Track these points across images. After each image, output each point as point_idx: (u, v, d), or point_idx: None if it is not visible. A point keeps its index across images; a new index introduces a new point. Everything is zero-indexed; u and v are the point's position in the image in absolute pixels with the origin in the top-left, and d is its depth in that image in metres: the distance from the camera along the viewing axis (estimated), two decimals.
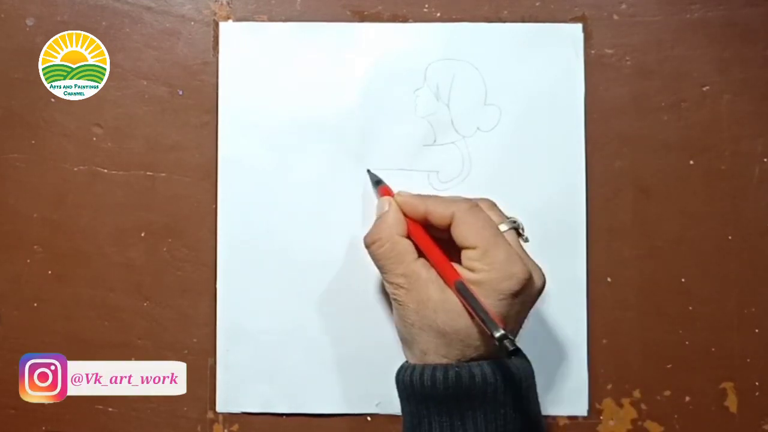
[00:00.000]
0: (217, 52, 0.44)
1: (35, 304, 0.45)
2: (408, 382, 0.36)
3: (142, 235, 0.45)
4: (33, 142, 0.45)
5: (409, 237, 0.38)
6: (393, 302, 0.38)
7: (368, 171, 0.43)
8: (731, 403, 0.44)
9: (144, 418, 0.44)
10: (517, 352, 0.33)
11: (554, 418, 0.44)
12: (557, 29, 0.44)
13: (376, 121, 0.44)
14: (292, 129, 0.44)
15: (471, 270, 0.36)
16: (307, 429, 0.44)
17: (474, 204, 0.37)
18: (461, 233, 0.37)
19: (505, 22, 0.44)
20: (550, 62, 0.44)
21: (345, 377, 0.44)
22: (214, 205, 0.44)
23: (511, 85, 0.44)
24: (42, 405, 0.44)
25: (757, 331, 0.44)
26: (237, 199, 0.44)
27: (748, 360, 0.44)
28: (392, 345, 0.44)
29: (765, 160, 0.44)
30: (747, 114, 0.44)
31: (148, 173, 0.45)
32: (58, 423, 0.44)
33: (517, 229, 0.38)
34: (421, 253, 0.38)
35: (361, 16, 0.45)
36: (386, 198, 0.40)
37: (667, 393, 0.44)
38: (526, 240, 0.38)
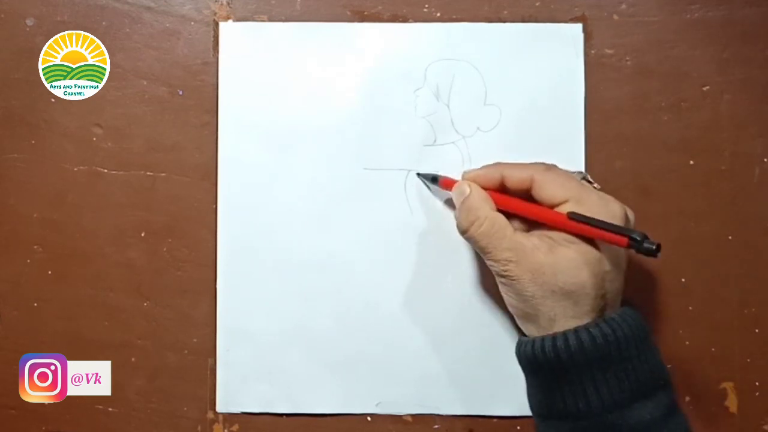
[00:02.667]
0: (217, 52, 0.44)
1: (35, 304, 0.45)
2: (531, 355, 0.36)
3: (142, 235, 0.45)
4: (33, 142, 0.45)
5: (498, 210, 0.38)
6: (503, 280, 0.38)
7: (418, 174, 0.44)
8: (731, 403, 0.44)
9: (144, 418, 0.44)
10: (660, 248, 0.33)
11: None
12: (557, 29, 0.44)
13: (376, 121, 0.44)
14: (292, 129, 0.44)
15: None
16: (307, 429, 0.44)
17: (548, 165, 0.39)
18: (548, 191, 0.37)
19: (505, 22, 0.44)
20: (550, 62, 0.44)
21: (345, 377, 0.44)
22: (214, 205, 0.44)
23: (511, 85, 0.44)
24: (42, 405, 0.44)
25: (757, 331, 0.44)
26: (237, 199, 0.44)
27: (748, 360, 0.44)
28: (392, 345, 0.44)
29: (765, 160, 0.44)
30: (747, 114, 0.44)
31: (148, 173, 0.45)
32: (58, 423, 0.44)
33: (586, 179, 0.39)
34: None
35: (361, 16, 0.45)
36: (463, 182, 0.40)
37: None
38: (598, 188, 0.39)
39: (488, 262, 0.38)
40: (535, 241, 0.37)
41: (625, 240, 0.34)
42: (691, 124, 0.44)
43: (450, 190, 0.41)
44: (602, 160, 0.44)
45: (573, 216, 0.36)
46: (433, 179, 0.43)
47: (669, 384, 0.37)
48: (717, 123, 0.44)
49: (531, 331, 0.38)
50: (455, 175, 0.43)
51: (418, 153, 0.44)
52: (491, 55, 0.44)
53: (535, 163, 0.39)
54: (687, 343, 0.44)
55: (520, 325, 0.39)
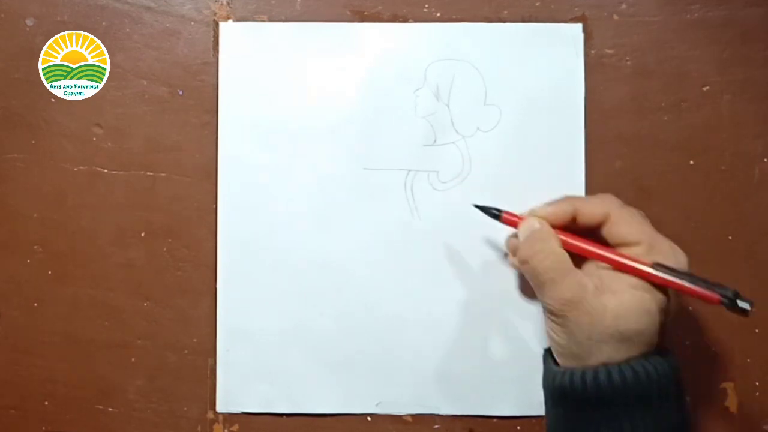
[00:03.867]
0: (217, 52, 0.44)
1: (35, 304, 0.45)
2: (569, 385, 0.35)
3: (142, 235, 0.45)
4: (33, 142, 0.45)
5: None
6: (557, 319, 0.36)
7: (476, 206, 0.41)
8: (731, 403, 0.44)
9: (144, 418, 0.44)
10: (753, 305, 0.33)
11: None
12: (557, 29, 0.44)
13: (376, 121, 0.44)
14: (292, 129, 0.44)
15: None
16: (307, 429, 0.44)
17: (621, 201, 0.38)
18: (621, 230, 0.36)
19: (505, 22, 0.44)
20: (550, 62, 0.44)
21: (345, 377, 0.44)
22: (214, 205, 0.44)
23: (511, 85, 0.44)
24: (42, 405, 0.44)
25: (757, 331, 0.44)
26: (237, 199, 0.44)
27: (748, 360, 0.44)
28: (392, 345, 0.44)
29: (765, 160, 0.44)
30: (747, 114, 0.44)
31: (148, 173, 0.45)
32: (58, 423, 0.44)
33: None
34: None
35: (361, 16, 0.45)
36: (528, 218, 0.38)
37: None
38: None
39: (545, 300, 0.37)
40: (597, 282, 0.36)
41: (717, 298, 0.34)
42: (691, 124, 0.44)
43: (514, 227, 0.39)
44: (602, 160, 0.44)
45: (659, 269, 0.35)
46: (494, 215, 0.40)
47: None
48: (717, 123, 0.44)
49: (570, 364, 0.36)
50: (455, 174, 0.43)
51: (418, 153, 0.44)
52: (491, 55, 0.44)
53: (607, 197, 0.38)
54: (687, 343, 0.44)
55: (558, 358, 0.37)
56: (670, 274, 0.35)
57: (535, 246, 0.37)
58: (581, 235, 0.38)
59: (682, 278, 0.35)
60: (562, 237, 0.37)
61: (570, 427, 0.36)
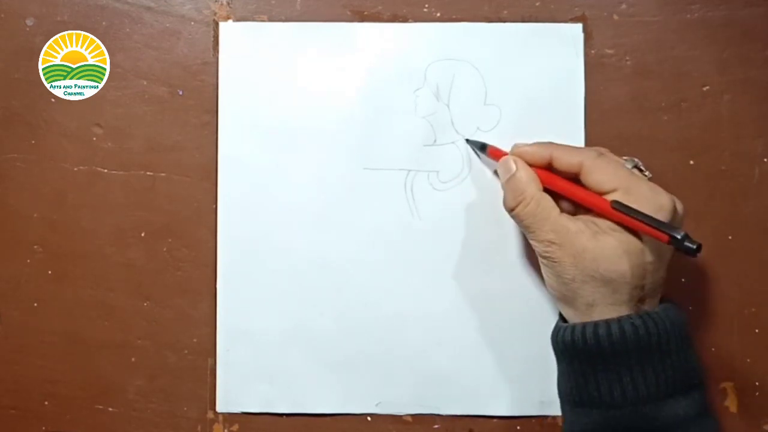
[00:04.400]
0: (217, 52, 0.44)
1: (35, 304, 0.45)
2: (570, 340, 0.36)
3: (142, 235, 0.45)
4: (33, 142, 0.45)
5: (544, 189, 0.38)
6: (545, 261, 0.38)
7: (468, 140, 0.43)
8: (731, 403, 0.44)
9: (144, 418, 0.44)
10: (700, 248, 0.33)
11: (554, 417, 0.44)
12: (557, 29, 0.44)
13: (376, 121, 0.44)
14: (292, 129, 0.44)
15: None
16: (307, 429, 0.44)
17: (599, 151, 0.38)
18: (597, 179, 0.37)
19: (505, 22, 0.44)
20: (550, 62, 0.44)
21: (345, 377, 0.44)
22: (214, 205, 0.44)
23: (511, 85, 0.44)
24: (42, 405, 0.44)
25: (757, 331, 0.44)
26: (237, 199, 0.44)
27: (748, 360, 0.44)
28: (392, 345, 0.44)
29: (765, 160, 0.44)
30: (747, 114, 0.44)
31: (148, 173, 0.45)
32: (58, 423, 0.44)
33: (638, 167, 0.39)
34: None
35: (361, 16, 0.45)
36: (509, 158, 0.40)
37: None
38: (649, 176, 0.39)
39: (531, 242, 0.38)
40: (580, 225, 0.37)
41: (665, 236, 0.34)
42: (691, 124, 0.44)
43: (497, 161, 0.41)
44: None
45: (616, 206, 0.36)
46: (481, 147, 0.43)
47: (704, 385, 0.37)
48: (717, 123, 0.44)
49: (569, 314, 0.38)
50: (455, 174, 0.43)
51: (418, 153, 0.44)
52: (491, 55, 0.44)
53: (587, 148, 0.39)
54: None
55: (558, 306, 0.39)
56: (625, 212, 0.35)
57: (516, 195, 0.38)
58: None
59: (636, 216, 0.35)
60: (540, 174, 0.39)
61: (573, 379, 0.37)
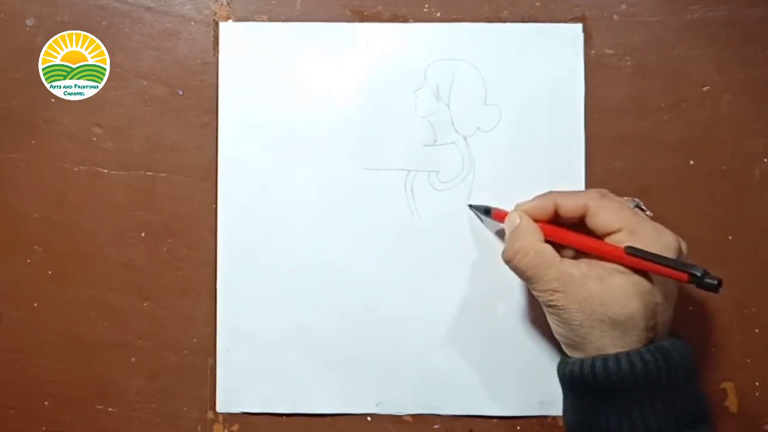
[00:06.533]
0: (217, 52, 0.44)
1: (35, 304, 0.45)
2: (579, 374, 0.36)
3: (142, 235, 0.45)
4: (33, 142, 0.45)
5: (547, 242, 0.38)
6: (550, 309, 0.38)
7: (470, 206, 0.43)
8: (731, 403, 0.44)
9: (144, 418, 0.44)
10: (721, 283, 0.34)
11: (554, 418, 0.44)
12: (557, 29, 0.44)
13: (376, 121, 0.44)
14: (292, 129, 0.44)
15: None
16: (307, 429, 0.44)
17: (602, 192, 0.38)
18: (602, 220, 0.37)
19: (505, 22, 0.44)
20: (550, 62, 0.44)
21: (345, 377, 0.44)
22: (214, 205, 0.44)
23: (511, 85, 0.44)
24: (42, 405, 0.44)
25: (757, 331, 0.44)
26: (237, 199, 0.44)
27: (748, 360, 0.44)
28: (392, 345, 0.44)
29: (765, 160, 0.44)
30: (747, 114, 0.44)
31: (148, 173, 0.45)
32: (58, 423, 0.44)
33: (639, 206, 0.39)
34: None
35: (361, 16, 0.45)
36: (515, 212, 0.40)
37: None
38: (650, 215, 0.39)
39: (535, 293, 0.38)
40: (584, 269, 0.36)
41: (686, 276, 0.34)
42: (691, 124, 0.44)
43: (502, 222, 0.41)
44: (602, 160, 0.44)
45: (631, 251, 0.35)
46: (485, 211, 0.42)
47: (710, 418, 0.37)
48: (717, 123, 0.44)
49: (573, 354, 0.38)
50: (455, 174, 0.43)
51: (418, 153, 0.44)
52: (491, 55, 0.44)
53: (589, 190, 0.39)
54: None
55: (567, 352, 0.39)
56: (641, 256, 0.35)
57: (515, 245, 0.38)
58: (570, 226, 0.39)
59: (653, 259, 0.35)
60: (545, 228, 0.39)
61: (581, 413, 0.37)
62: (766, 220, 0.44)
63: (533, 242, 0.38)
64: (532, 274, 0.37)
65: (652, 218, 0.39)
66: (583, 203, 0.38)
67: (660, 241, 0.36)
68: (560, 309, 0.37)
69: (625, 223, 0.36)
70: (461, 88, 0.44)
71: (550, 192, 0.40)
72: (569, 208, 0.38)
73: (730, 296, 0.44)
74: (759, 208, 0.44)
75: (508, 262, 0.39)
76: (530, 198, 0.40)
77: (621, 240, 0.36)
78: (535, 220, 0.39)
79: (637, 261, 0.35)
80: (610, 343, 0.36)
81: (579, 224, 0.39)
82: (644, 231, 0.36)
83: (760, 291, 0.44)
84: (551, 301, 0.37)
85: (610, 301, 0.35)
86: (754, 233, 0.44)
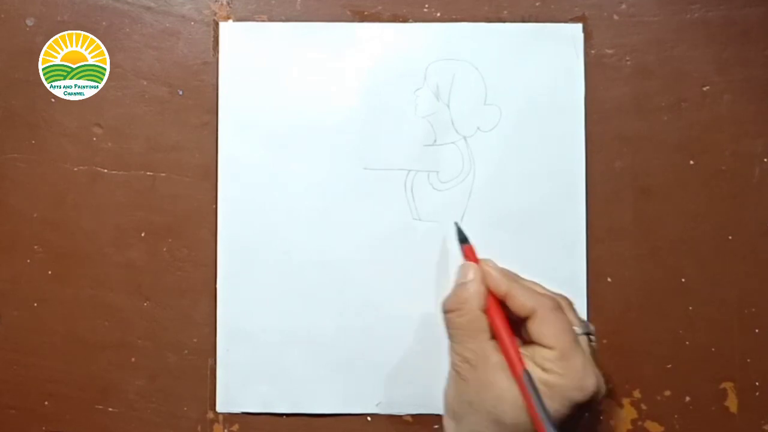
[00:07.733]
0: (217, 52, 0.44)
1: (35, 304, 0.45)
2: None
3: (142, 235, 0.45)
4: (33, 142, 0.45)
5: (484, 311, 0.37)
6: (454, 374, 0.37)
7: (456, 224, 0.41)
8: (731, 403, 0.44)
9: (144, 418, 0.44)
10: None
11: None
12: (557, 29, 0.44)
13: (376, 121, 0.44)
14: (292, 129, 0.44)
15: (543, 369, 0.35)
16: (307, 429, 0.44)
17: (557, 304, 0.37)
18: (541, 331, 0.36)
19: (505, 22, 0.44)
20: (550, 62, 0.44)
21: (345, 377, 0.44)
22: (214, 205, 0.44)
23: (511, 85, 0.44)
24: (42, 405, 0.44)
25: (757, 331, 0.44)
26: (237, 199, 0.44)
27: (748, 360, 0.44)
28: (392, 345, 0.44)
29: (765, 160, 0.44)
30: (747, 114, 0.44)
31: (148, 173, 0.45)
32: (58, 423, 0.44)
33: (589, 335, 0.37)
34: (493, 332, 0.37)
35: (361, 16, 0.45)
36: (472, 265, 0.38)
37: (667, 393, 0.44)
38: (595, 348, 0.38)
39: (450, 351, 0.38)
40: (504, 362, 0.36)
41: (543, 430, 0.33)
42: (691, 124, 0.44)
43: (465, 259, 0.39)
44: (602, 160, 0.44)
45: (527, 378, 0.34)
46: (462, 239, 0.40)
47: None
48: (717, 123, 0.44)
49: (449, 427, 0.38)
50: (455, 174, 0.43)
51: (418, 153, 0.44)
52: (491, 55, 0.44)
53: (547, 297, 0.37)
54: (687, 343, 0.44)
55: (444, 414, 0.38)
56: (528, 388, 0.34)
57: (456, 302, 0.37)
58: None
59: (535, 401, 0.34)
60: (490, 300, 0.37)
61: None
62: (766, 220, 0.44)
63: (472, 308, 0.37)
64: (455, 334, 0.37)
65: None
66: (533, 307, 0.36)
67: (580, 380, 0.35)
68: (462, 379, 0.36)
69: (561, 345, 0.35)
70: (461, 88, 0.44)
71: (516, 276, 0.38)
72: (517, 305, 0.37)
73: (730, 296, 0.44)
74: (759, 208, 0.44)
75: (445, 312, 0.38)
76: (499, 266, 0.38)
77: (547, 357, 0.35)
78: (487, 287, 0.37)
79: (524, 387, 0.34)
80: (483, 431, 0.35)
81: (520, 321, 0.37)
82: (573, 363, 0.35)
83: (760, 291, 0.44)
84: (459, 368, 0.37)
85: (505, 400, 0.35)
86: (754, 233, 0.44)
